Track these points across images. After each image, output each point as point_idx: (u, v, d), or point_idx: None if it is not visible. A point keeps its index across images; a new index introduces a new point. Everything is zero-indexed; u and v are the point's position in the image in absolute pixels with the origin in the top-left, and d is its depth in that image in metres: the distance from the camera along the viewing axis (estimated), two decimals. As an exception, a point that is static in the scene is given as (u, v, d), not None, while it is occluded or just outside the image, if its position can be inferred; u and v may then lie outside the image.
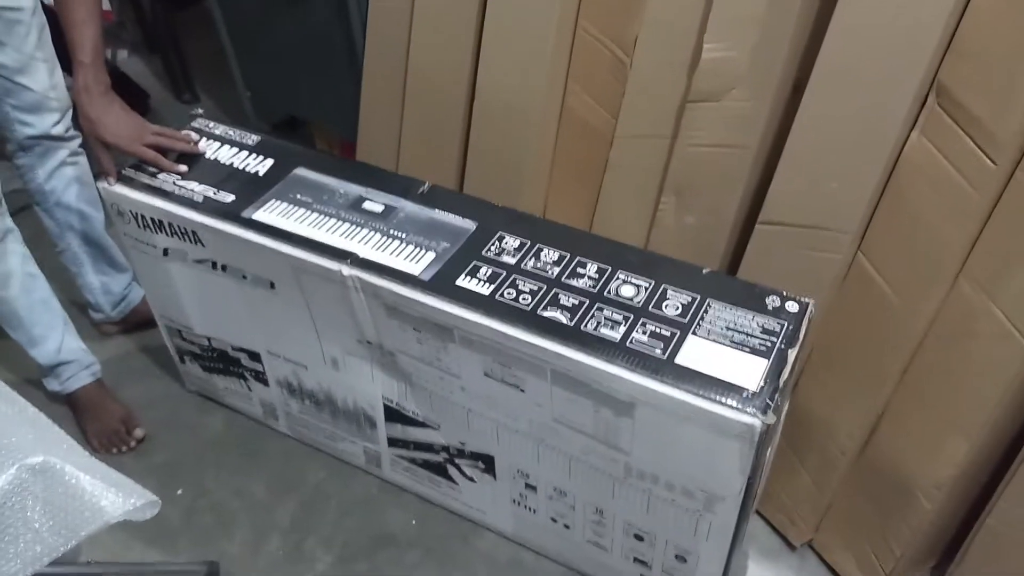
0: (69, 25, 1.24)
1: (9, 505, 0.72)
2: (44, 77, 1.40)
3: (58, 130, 1.46)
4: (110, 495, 0.75)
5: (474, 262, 1.14)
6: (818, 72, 1.11)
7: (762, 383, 0.97)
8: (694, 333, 1.04)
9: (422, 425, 1.31)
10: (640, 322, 1.05)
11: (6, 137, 1.46)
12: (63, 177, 1.50)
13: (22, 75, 1.37)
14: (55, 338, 1.51)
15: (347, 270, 1.14)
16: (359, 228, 1.20)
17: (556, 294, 1.10)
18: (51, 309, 1.50)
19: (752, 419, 0.94)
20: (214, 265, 1.30)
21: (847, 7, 1.07)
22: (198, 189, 1.28)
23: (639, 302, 1.08)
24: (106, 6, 2.54)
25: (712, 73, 1.20)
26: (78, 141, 1.49)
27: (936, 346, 1.10)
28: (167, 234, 1.30)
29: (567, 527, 1.28)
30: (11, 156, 1.49)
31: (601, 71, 1.34)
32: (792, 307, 1.06)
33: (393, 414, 1.33)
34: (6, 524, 0.72)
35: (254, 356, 1.44)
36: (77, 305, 1.73)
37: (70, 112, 1.46)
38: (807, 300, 1.07)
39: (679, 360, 1.00)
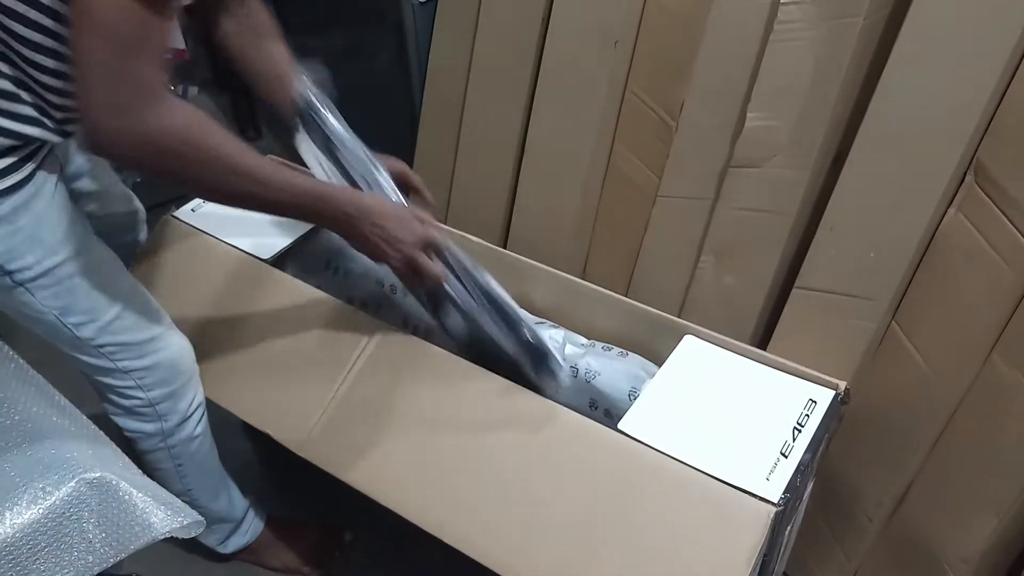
0: None
1: (67, 515, 0.77)
2: None
3: None
4: (159, 512, 0.80)
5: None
6: (859, 145, 1.15)
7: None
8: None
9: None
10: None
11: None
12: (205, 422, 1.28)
13: None
14: None
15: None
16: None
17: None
18: None
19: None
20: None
21: (890, 85, 1.10)
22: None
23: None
24: (180, 44, 2.66)
25: (755, 141, 1.24)
26: None
27: (968, 419, 1.10)
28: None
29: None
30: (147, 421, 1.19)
31: (647, 133, 1.39)
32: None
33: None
34: (63, 534, 0.77)
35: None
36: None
37: None
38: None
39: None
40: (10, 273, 0.95)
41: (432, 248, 1.05)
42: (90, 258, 1.02)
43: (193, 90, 2.79)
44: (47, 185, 0.97)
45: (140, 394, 1.13)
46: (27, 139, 0.91)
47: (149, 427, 1.17)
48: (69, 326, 1.02)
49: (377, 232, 1.01)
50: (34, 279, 0.97)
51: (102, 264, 1.04)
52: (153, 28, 0.80)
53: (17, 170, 0.92)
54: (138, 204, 1.35)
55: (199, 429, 1.23)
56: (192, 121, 0.86)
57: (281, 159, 1.26)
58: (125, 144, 0.83)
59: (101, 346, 1.06)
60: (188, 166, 0.88)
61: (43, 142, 0.94)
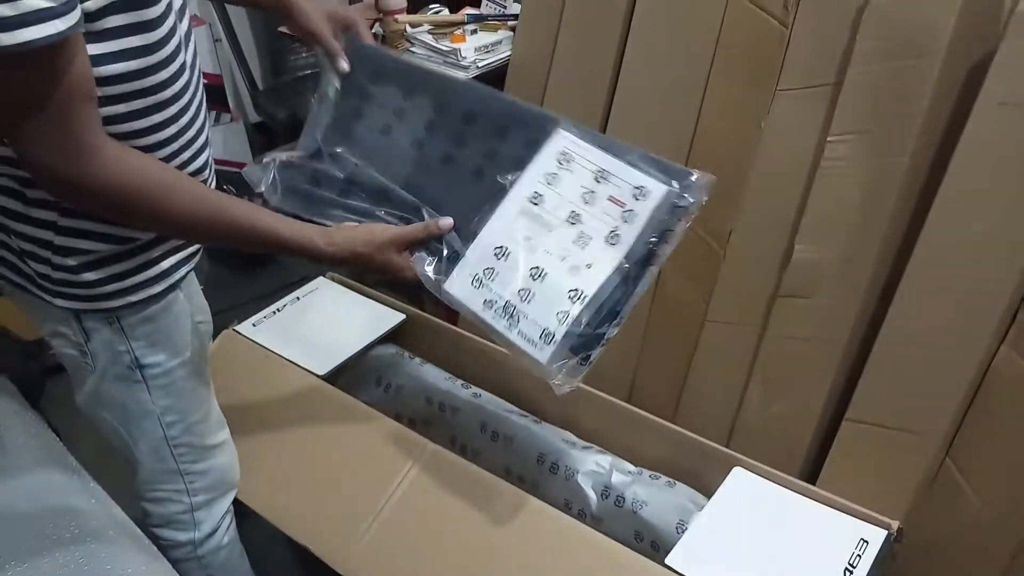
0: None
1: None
2: None
3: None
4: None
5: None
6: (908, 279, 1.15)
7: None
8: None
9: None
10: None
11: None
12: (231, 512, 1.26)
13: None
14: None
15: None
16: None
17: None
18: None
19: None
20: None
21: (939, 220, 1.11)
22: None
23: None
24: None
25: (803, 271, 1.25)
26: None
27: (1028, 563, 1.06)
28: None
29: None
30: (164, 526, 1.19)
31: (696, 258, 1.41)
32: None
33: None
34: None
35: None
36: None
37: None
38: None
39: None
40: (142, 367, 1.00)
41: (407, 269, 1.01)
42: (198, 361, 1.07)
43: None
44: (182, 291, 1.03)
45: (185, 499, 1.15)
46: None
47: (182, 536, 1.19)
48: (164, 424, 1.07)
49: (359, 268, 1.00)
50: (156, 376, 1.02)
51: (203, 366, 1.10)
52: (28, 84, 0.70)
53: (170, 276, 0.98)
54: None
55: (228, 538, 1.24)
56: (141, 176, 0.81)
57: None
58: (75, 200, 0.82)
59: (178, 446, 1.10)
60: (147, 220, 0.86)
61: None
